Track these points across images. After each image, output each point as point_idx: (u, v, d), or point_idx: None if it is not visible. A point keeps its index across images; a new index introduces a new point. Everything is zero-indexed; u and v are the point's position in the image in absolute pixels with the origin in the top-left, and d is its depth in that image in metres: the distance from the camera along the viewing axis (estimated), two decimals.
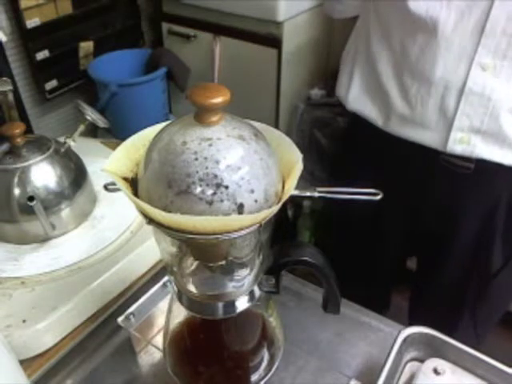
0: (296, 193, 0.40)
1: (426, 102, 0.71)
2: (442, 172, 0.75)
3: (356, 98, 0.81)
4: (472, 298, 0.87)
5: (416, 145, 0.75)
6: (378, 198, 0.42)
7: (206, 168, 0.35)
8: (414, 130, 0.74)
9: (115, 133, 1.30)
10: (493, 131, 0.68)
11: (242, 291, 0.46)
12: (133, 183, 0.40)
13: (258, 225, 0.36)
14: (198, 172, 0.35)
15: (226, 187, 0.35)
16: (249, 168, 0.36)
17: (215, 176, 0.35)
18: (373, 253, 0.96)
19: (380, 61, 0.75)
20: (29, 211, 0.62)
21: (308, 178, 1.38)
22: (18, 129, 0.63)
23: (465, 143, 0.70)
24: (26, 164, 0.64)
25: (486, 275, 0.83)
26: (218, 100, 0.35)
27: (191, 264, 0.47)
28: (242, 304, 0.45)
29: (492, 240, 0.79)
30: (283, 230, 1.58)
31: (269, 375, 0.51)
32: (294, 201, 1.55)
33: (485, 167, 0.71)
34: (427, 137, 0.73)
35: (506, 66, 0.64)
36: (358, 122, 0.83)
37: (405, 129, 0.75)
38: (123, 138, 0.42)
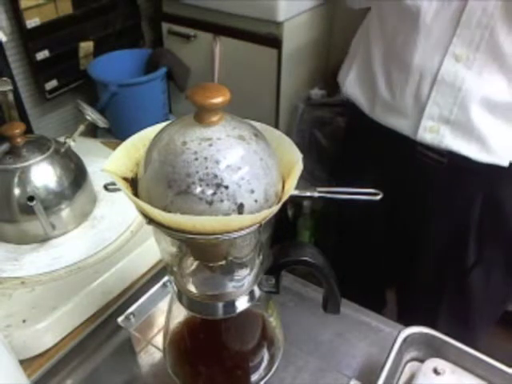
0: (296, 193, 0.40)
1: (404, 88, 0.73)
2: (418, 168, 0.77)
3: (351, 83, 0.83)
4: (447, 299, 0.87)
5: (398, 138, 0.76)
6: (378, 197, 0.42)
7: (206, 168, 0.35)
8: (393, 117, 0.76)
9: (115, 133, 1.30)
10: (461, 122, 0.69)
11: (241, 291, 0.46)
12: (133, 183, 0.40)
13: (258, 225, 0.36)
14: (198, 172, 0.35)
15: (226, 187, 0.35)
16: (249, 168, 0.36)
17: (215, 176, 0.35)
18: (372, 252, 0.97)
19: (373, 50, 0.77)
20: (29, 211, 0.62)
21: (308, 178, 1.38)
22: (18, 129, 0.63)
23: (434, 132, 0.72)
24: (26, 164, 0.63)
25: (461, 274, 0.83)
26: (218, 100, 0.35)
27: (191, 264, 0.47)
28: (242, 304, 0.45)
29: (465, 240, 0.80)
30: (283, 230, 1.58)
31: (269, 375, 0.51)
32: (294, 201, 1.55)
33: (458, 164, 0.73)
34: (403, 124, 0.75)
35: (479, 59, 0.65)
36: (355, 115, 0.84)
37: (387, 116, 0.77)
38: (123, 138, 0.42)
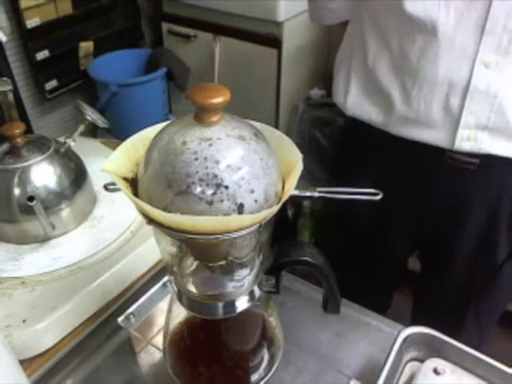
0: (296, 193, 0.40)
1: (430, 102, 0.71)
2: (447, 170, 0.76)
3: (355, 103, 0.80)
4: (476, 297, 0.87)
5: (418, 143, 0.75)
6: (378, 197, 0.42)
7: (206, 168, 0.35)
8: (417, 130, 0.74)
9: (115, 133, 1.30)
10: (499, 127, 0.69)
11: (241, 291, 0.46)
12: (133, 183, 0.40)
13: (257, 225, 0.36)
14: (197, 172, 0.35)
15: (226, 187, 0.35)
16: (249, 168, 0.36)
17: (215, 176, 0.35)
18: (373, 253, 0.96)
19: (379, 64, 0.75)
20: (29, 211, 0.62)
21: (308, 178, 1.38)
22: (18, 129, 0.63)
23: (472, 140, 0.71)
24: (26, 164, 0.64)
25: (491, 272, 0.83)
26: (218, 100, 0.35)
27: (191, 264, 0.47)
28: (242, 304, 0.45)
29: (497, 235, 0.80)
30: (283, 230, 1.58)
31: (269, 375, 0.51)
32: (294, 201, 1.55)
33: (489, 162, 0.72)
34: (433, 136, 0.73)
35: (509, 62, 0.64)
36: (356, 123, 0.83)
37: (408, 129, 0.75)
38: (123, 138, 0.42)
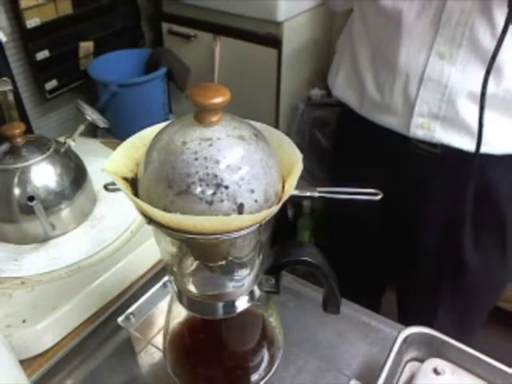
0: (296, 193, 0.40)
1: (393, 88, 0.75)
2: (413, 159, 0.78)
3: (340, 85, 0.86)
4: (447, 289, 0.88)
5: (388, 130, 0.78)
6: (378, 197, 0.42)
7: (206, 168, 0.35)
8: (384, 115, 0.78)
9: (115, 133, 1.30)
10: (450, 117, 0.72)
11: (241, 291, 0.46)
12: (133, 183, 0.40)
13: (258, 225, 0.36)
14: (197, 172, 0.35)
15: (226, 187, 0.35)
16: (249, 168, 0.36)
17: (215, 176, 0.35)
18: (370, 251, 0.97)
19: (359, 51, 0.79)
20: (29, 211, 0.62)
21: (308, 178, 1.38)
22: (18, 129, 0.63)
23: (425, 128, 0.74)
24: (26, 164, 0.64)
25: (458, 263, 0.84)
26: (218, 100, 0.35)
27: (191, 264, 0.47)
28: (242, 304, 0.45)
29: (461, 227, 0.81)
30: (283, 230, 1.58)
31: (269, 375, 0.51)
32: (293, 201, 1.55)
33: (450, 154, 0.74)
34: (394, 122, 0.77)
35: (462, 55, 0.68)
36: (346, 114, 0.86)
37: (376, 114, 0.79)
38: (123, 138, 0.42)
